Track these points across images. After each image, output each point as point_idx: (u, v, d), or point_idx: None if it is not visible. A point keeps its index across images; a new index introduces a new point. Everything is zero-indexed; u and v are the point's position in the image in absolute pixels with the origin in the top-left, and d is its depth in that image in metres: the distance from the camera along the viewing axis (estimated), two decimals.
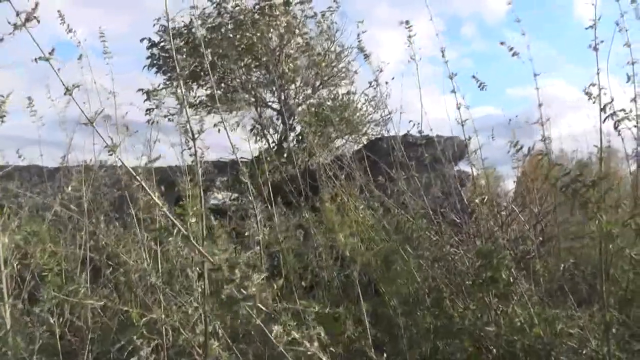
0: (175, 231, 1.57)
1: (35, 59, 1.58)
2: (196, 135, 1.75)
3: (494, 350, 2.74)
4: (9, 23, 1.52)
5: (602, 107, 2.61)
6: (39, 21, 1.52)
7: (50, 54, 1.56)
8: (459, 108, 3.14)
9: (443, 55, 3.17)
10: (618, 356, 2.30)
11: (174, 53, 1.84)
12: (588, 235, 3.27)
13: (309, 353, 1.53)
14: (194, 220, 2.27)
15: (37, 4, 1.50)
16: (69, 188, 2.56)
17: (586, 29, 2.67)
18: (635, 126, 2.77)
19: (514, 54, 3.08)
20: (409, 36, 3.47)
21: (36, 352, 2.03)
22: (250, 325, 1.50)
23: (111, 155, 1.60)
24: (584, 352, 2.41)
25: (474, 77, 3.31)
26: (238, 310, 1.45)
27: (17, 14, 1.51)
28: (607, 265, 2.52)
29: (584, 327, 2.52)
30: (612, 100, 2.59)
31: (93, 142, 3.50)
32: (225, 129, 2.99)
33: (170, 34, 4.37)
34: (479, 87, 3.33)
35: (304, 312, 1.72)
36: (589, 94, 2.68)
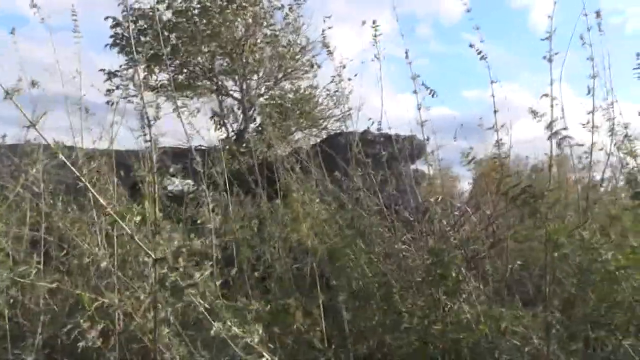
0: (127, 217, 1.53)
1: None
2: (152, 122, 1.70)
3: (440, 345, 2.78)
4: None
5: (547, 124, 2.70)
6: None
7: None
8: (419, 109, 3.17)
9: (407, 57, 3.20)
10: (558, 355, 2.37)
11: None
12: (536, 240, 3.35)
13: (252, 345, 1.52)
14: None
15: None
16: (34, 170, 2.45)
17: (542, 40, 2.73)
18: (577, 144, 2.87)
19: (481, 58, 3.10)
20: (375, 35, 3.48)
21: None
22: (196, 313, 1.48)
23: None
24: (526, 349, 2.47)
25: (423, 84, 3.33)
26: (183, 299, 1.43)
27: None
28: (552, 269, 2.60)
29: (527, 326, 2.58)
30: (563, 113, 2.68)
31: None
32: (179, 115, 2.93)
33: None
34: (429, 94, 3.35)
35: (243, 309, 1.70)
36: (534, 112, 2.76)
